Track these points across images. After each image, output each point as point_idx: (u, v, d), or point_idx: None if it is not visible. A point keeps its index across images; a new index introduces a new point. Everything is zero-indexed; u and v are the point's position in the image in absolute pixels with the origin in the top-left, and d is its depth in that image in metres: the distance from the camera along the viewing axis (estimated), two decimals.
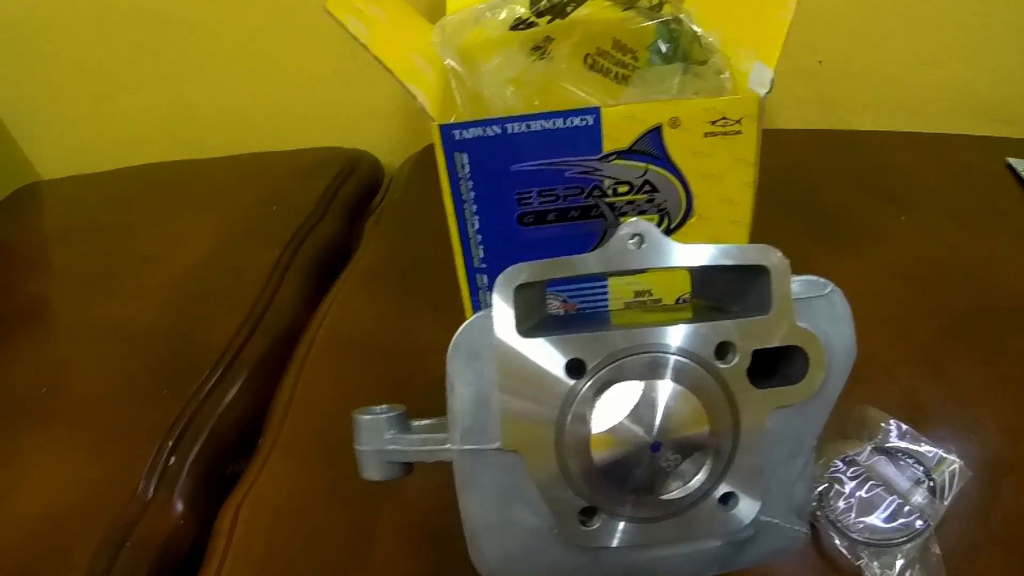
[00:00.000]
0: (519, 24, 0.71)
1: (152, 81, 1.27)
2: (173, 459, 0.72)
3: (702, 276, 0.54)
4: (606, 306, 0.70)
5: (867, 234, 0.88)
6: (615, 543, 0.47)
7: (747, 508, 0.47)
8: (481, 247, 0.66)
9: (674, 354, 0.44)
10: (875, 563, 0.56)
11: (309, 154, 1.21)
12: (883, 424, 0.63)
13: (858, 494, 0.60)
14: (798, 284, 0.45)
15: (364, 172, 1.19)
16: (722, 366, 0.44)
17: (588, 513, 0.47)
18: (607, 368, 0.44)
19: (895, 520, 0.58)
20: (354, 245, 1.04)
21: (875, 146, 1.07)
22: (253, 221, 1.05)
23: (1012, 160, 0.99)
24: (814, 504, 0.58)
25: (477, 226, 0.65)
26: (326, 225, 1.06)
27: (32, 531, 0.67)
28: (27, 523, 0.68)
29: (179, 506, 0.70)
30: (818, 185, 0.99)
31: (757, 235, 0.46)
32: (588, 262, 0.44)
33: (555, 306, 0.69)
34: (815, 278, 0.45)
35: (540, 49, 0.71)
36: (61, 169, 1.33)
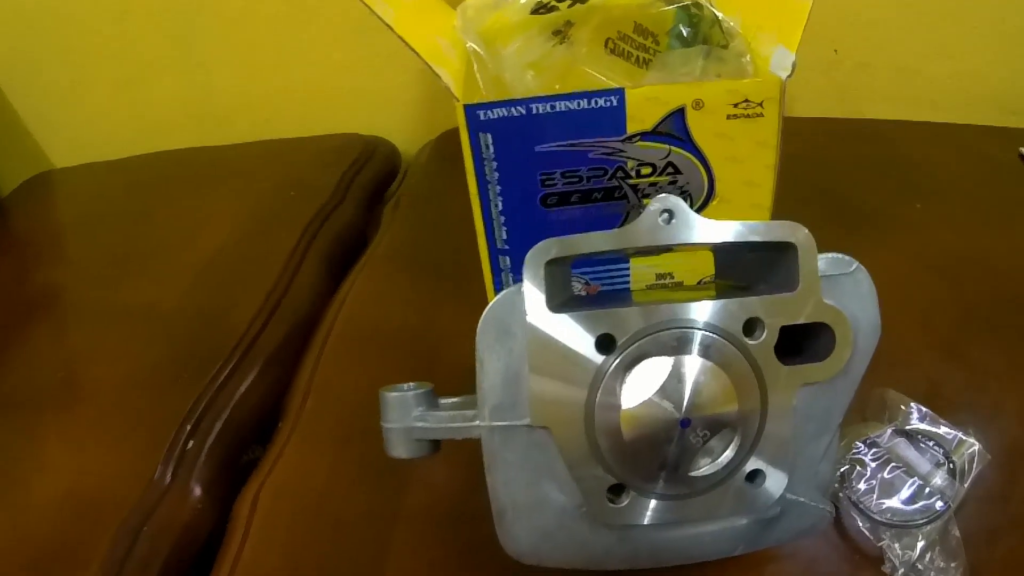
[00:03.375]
0: (540, 8, 0.70)
1: (173, 67, 1.27)
2: (191, 444, 0.72)
3: (725, 257, 0.54)
4: (628, 288, 0.71)
5: (886, 222, 0.89)
6: (643, 521, 0.48)
7: (774, 486, 0.47)
8: (504, 228, 0.66)
9: (703, 329, 0.44)
10: (896, 544, 0.56)
11: (327, 140, 1.22)
12: (903, 407, 0.63)
13: (879, 476, 0.60)
14: (823, 262, 0.45)
15: (381, 159, 1.19)
16: (750, 342, 0.45)
17: (616, 491, 0.47)
18: (636, 344, 0.44)
19: (916, 502, 0.58)
20: (371, 231, 1.05)
21: (891, 135, 1.07)
22: (271, 207, 1.05)
23: None
24: (836, 485, 0.59)
25: (500, 207, 0.65)
26: (344, 211, 1.06)
27: (53, 516, 0.67)
28: (48, 507, 0.68)
29: (197, 491, 0.70)
30: (836, 173, 0.99)
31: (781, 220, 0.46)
32: (619, 237, 0.44)
33: (577, 288, 0.69)
34: (840, 256, 0.46)
35: (560, 33, 0.71)
36: (76, 158, 1.33)
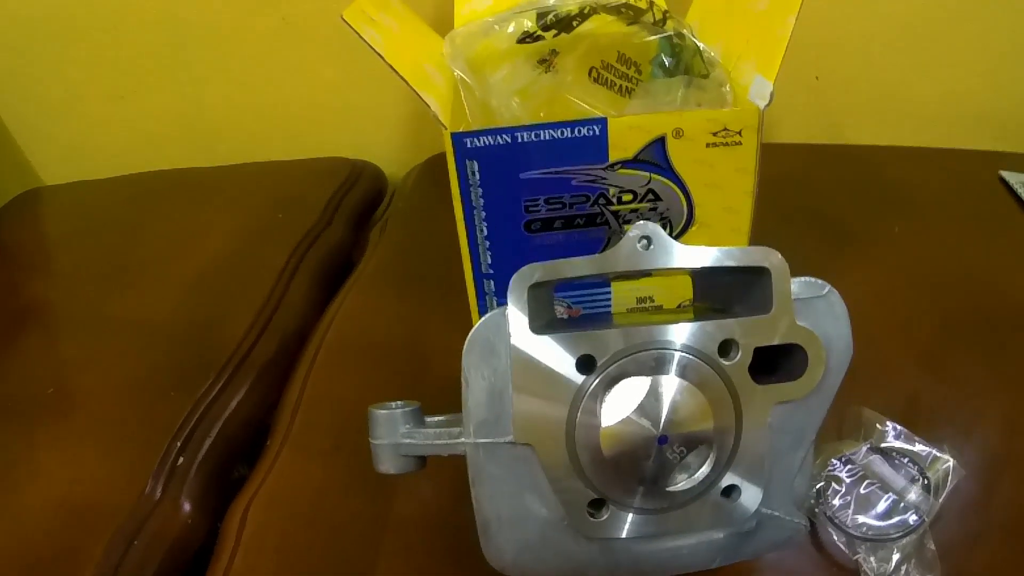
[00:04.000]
0: (526, 37, 0.72)
1: (163, 87, 1.28)
2: (182, 459, 0.73)
3: (703, 281, 0.56)
4: (609, 311, 0.72)
5: (868, 242, 0.91)
6: (623, 534, 0.49)
7: (749, 500, 0.49)
8: (489, 252, 0.68)
9: (680, 351, 0.46)
10: (872, 558, 0.57)
11: (314, 164, 1.23)
12: (879, 425, 0.64)
13: (855, 492, 0.61)
14: (797, 285, 0.47)
15: (368, 182, 1.21)
16: (726, 363, 0.47)
17: (597, 505, 0.49)
18: (616, 364, 0.46)
19: (891, 517, 0.60)
20: (357, 254, 1.06)
21: (873, 160, 1.09)
22: (261, 226, 1.06)
23: (1004, 173, 1.01)
24: (812, 501, 0.60)
25: (486, 232, 0.67)
26: (331, 232, 1.07)
27: (44, 526, 0.68)
28: (39, 518, 0.69)
29: (187, 506, 0.71)
30: (820, 195, 1.01)
31: (763, 242, 0.48)
32: (599, 262, 0.46)
33: (560, 311, 0.71)
34: (813, 279, 0.48)
35: (546, 62, 0.73)
36: (65, 175, 1.33)
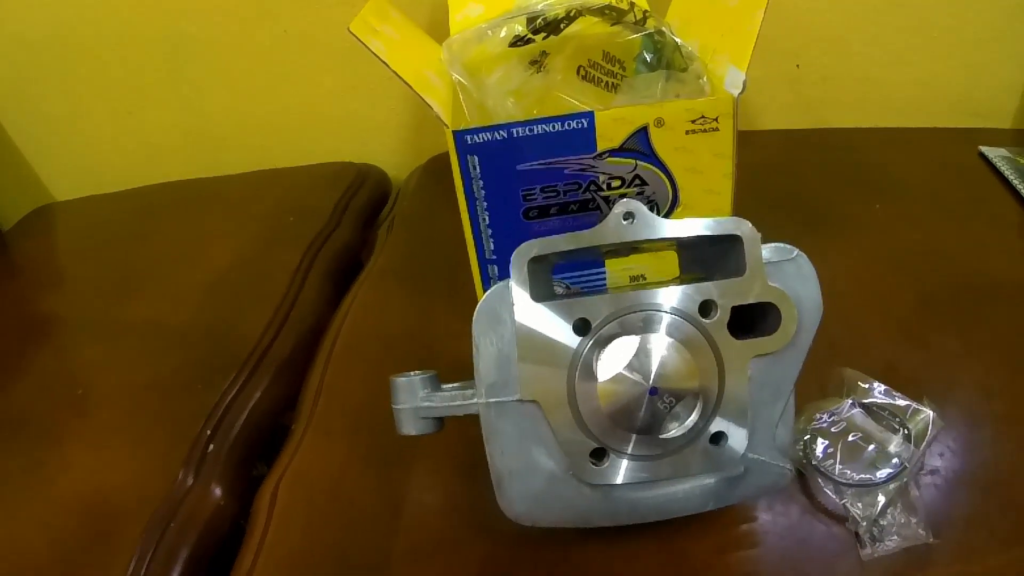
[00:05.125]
0: (518, 41, 0.76)
1: (169, 100, 1.30)
2: (211, 447, 0.77)
3: (686, 253, 0.61)
4: (605, 288, 0.76)
5: (850, 223, 0.93)
6: (622, 480, 0.54)
7: (736, 445, 0.54)
8: (492, 240, 0.72)
9: (665, 311, 0.51)
10: (859, 503, 0.61)
11: (321, 168, 1.26)
12: (861, 383, 0.68)
13: (840, 443, 0.65)
14: (768, 251, 0.52)
15: (373, 184, 1.24)
16: (706, 321, 0.52)
17: (598, 455, 0.54)
18: (608, 325, 0.51)
19: (875, 465, 0.63)
20: (365, 253, 1.09)
21: (854, 143, 1.11)
22: (272, 230, 1.10)
23: (984, 148, 1.03)
24: (800, 454, 0.64)
25: (488, 221, 0.71)
26: (341, 233, 1.10)
27: (80, 513, 0.71)
28: (74, 506, 0.72)
29: (217, 491, 0.74)
30: (802, 181, 1.03)
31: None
32: (588, 236, 0.51)
33: (559, 291, 0.75)
34: (783, 245, 0.53)
35: (537, 63, 0.77)
36: (75, 190, 1.35)
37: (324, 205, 1.14)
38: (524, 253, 0.51)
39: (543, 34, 0.76)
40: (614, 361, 0.51)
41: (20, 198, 1.35)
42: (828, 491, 0.62)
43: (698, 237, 0.52)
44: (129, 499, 0.72)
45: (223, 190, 1.26)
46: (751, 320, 0.53)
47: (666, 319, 0.51)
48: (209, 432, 0.78)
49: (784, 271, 0.52)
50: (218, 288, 0.99)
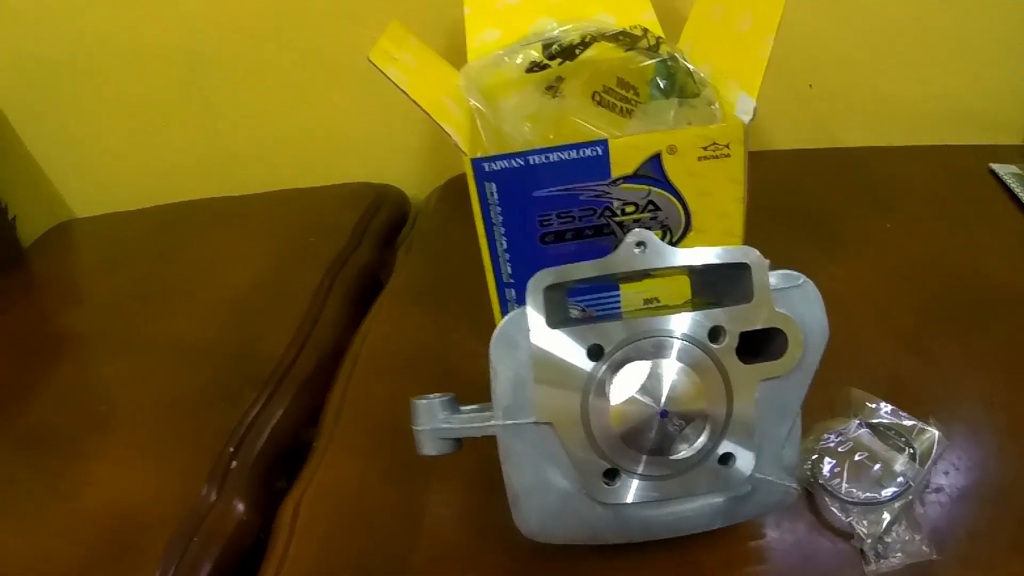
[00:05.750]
0: (533, 67, 0.78)
1: (190, 120, 1.31)
2: (234, 463, 0.78)
3: (697, 279, 0.63)
4: (619, 311, 0.78)
5: (859, 239, 0.94)
6: (633, 499, 0.56)
7: (744, 466, 0.56)
8: (509, 264, 0.74)
9: (675, 337, 0.53)
10: (864, 520, 0.62)
11: (340, 189, 1.27)
12: (868, 403, 0.70)
13: (847, 462, 0.66)
14: (776, 277, 0.54)
15: (393, 205, 1.24)
16: (715, 346, 0.53)
17: (610, 475, 0.56)
18: (621, 351, 0.53)
19: (881, 484, 0.64)
20: (384, 273, 1.10)
21: (865, 160, 1.12)
22: (293, 250, 1.11)
23: (994, 165, 1.04)
24: (808, 473, 0.66)
25: (505, 245, 0.73)
26: (361, 253, 1.11)
27: (104, 529, 0.73)
28: (98, 522, 0.73)
29: (240, 506, 0.75)
30: (813, 198, 1.04)
31: (759, 244, 0.53)
32: (601, 265, 0.53)
33: (575, 314, 0.76)
34: (790, 272, 0.54)
35: (553, 88, 0.79)
36: (95, 207, 1.36)
37: (344, 225, 1.15)
38: (540, 281, 0.53)
39: (558, 60, 0.78)
40: (626, 385, 0.53)
41: (41, 215, 1.35)
42: (834, 509, 0.64)
43: (711, 265, 0.53)
44: (152, 515, 0.74)
45: (243, 209, 1.27)
46: (758, 344, 0.55)
47: (677, 344, 0.53)
48: (232, 448, 0.79)
49: (791, 297, 0.54)
50: (240, 307, 1.00)
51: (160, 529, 0.72)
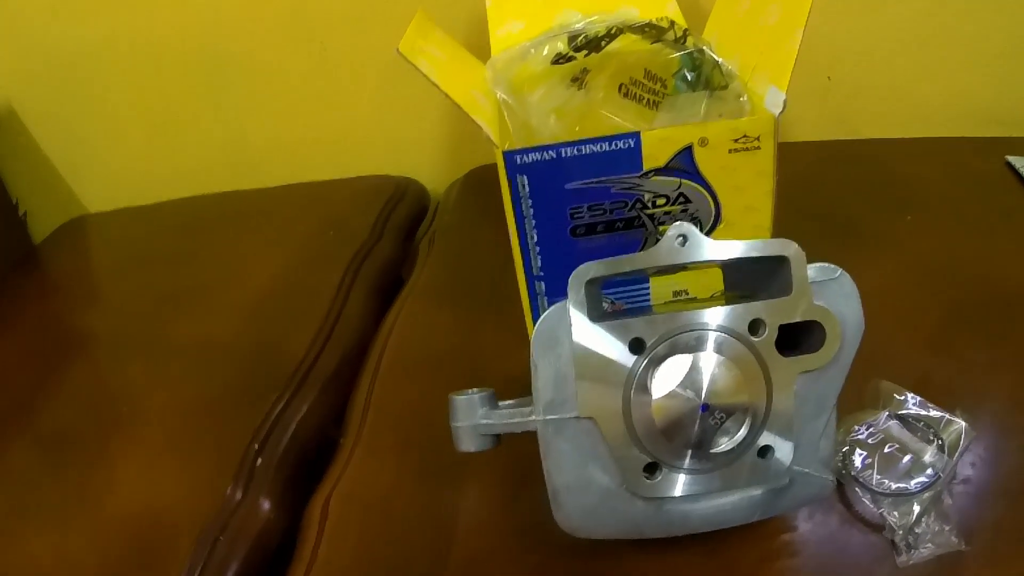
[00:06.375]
0: (559, 59, 0.79)
1: (206, 115, 1.32)
2: (260, 461, 0.78)
3: (731, 272, 0.63)
4: (649, 304, 0.78)
5: (880, 235, 0.94)
6: (675, 493, 0.56)
7: (783, 458, 0.56)
8: (539, 256, 0.74)
9: (715, 331, 0.53)
10: (895, 512, 0.62)
11: (359, 182, 1.27)
12: (896, 396, 0.69)
13: (877, 454, 0.66)
14: (813, 270, 0.54)
15: (412, 198, 1.24)
16: (755, 339, 0.53)
17: (651, 469, 0.56)
18: (662, 344, 0.53)
19: (910, 475, 0.64)
20: (406, 267, 1.10)
21: (884, 154, 1.12)
22: (314, 246, 1.10)
23: (1011, 158, 1.04)
24: (839, 464, 0.65)
25: (536, 238, 0.73)
26: (382, 248, 1.11)
27: (129, 530, 0.73)
28: (124, 523, 0.73)
29: (266, 505, 0.75)
30: (833, 193, 1.04)
31: (782, 237, 0.53)
32: (645, 258, 0.53)
33: (606, 307, 0.75)
34: (827, 265, 0.54)
35: (579, 80, 0.79)
36: (109, 204, 1.37)
37: (364, 219, 1.15)
38: (582, 275, 0.52)
39: (584, 52, 0.78)
40: (668, 379, 0.53)
41: (52, 211, 1.36)
42: (866, 500, 0.64)
43: (747, 258, 0.53)
44: (178, 515, 0.74)
45: (261, 203, 1.27)
46: (795, 337, 0.55)
47: (717, 338, 0.53)
48: (257, 447, 0.79)
49: (828, 290, 0.54)
50: (261, 304, 1.00)
51: (186, 530, 0.71)
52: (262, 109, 1.31)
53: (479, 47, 0.83)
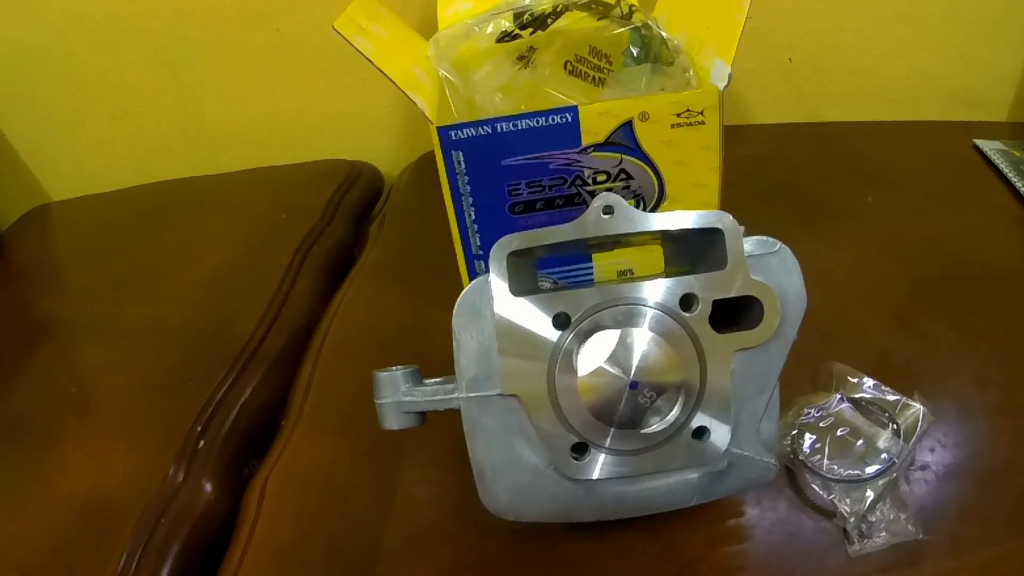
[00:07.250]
0: (505, 37, 0.77)
1: (166, 99, 1.31)
2: (202, 443, 0.77)
3: (670, 247, 0.61)
4: (591, 282, 0.76)
5: (844, 214, 0.93)
6: (603, 474, 0.54)
7: (719, 440, 0.54)
8: (478, 235, 0.73)
9: (645, 305, 0.51)
10: (847, 498, 0.61)
11: (315, 166, 1.27)
12: (850, 378, 0.68)
13: (828, 438, 0.65)
14: (751, 244, 0.52)
15: (366, 181, 1.24)
16: (687, 315, 0.51)
17: (579, 449, 0.54)
18: (588, 319, 0.51)
19: (864, 460, 0.63)
20: (358, 249, 1.09)
21: (850, 135, 1.12)
22: (266, 228, 1.10)
23: (979, 141, 1.04)
24: (787, 448, 0.64)
25: (474, 216, 0.71)
26: (333, 229, 1.11)
27: (74, 512, 0.72)
28: (68, 505, 0.73)
29: (208, 487, 0.74)
30: (797, 173, 1.03)
31: (742, 220, 0.52)
32: (568, 230, 0.51)
33: (546, 286, 0.75)
34: (766, 238, 0.52)
35: (525, 58, 0.77)
36: (72, 190, 1.36)
37: (317, 202, 1.15)
38: (504, 247, 0.51)
39: (530, 29, 0.77)
40: (594, 355, 0.51)
41: (17, 199, 1.35)
42: (816, 487, 0.62)
43: (681, 231, 0.51)
44: (124, 496, 0.73)
45: (217, 189, 1.27)
46: (736, 314, 0.53)
47: (647, 313, 0.51)
48: (200, 429, 0.78)
49: (767, 264, 0.52)
50: (213, 287, 0.99)
51: (130, 511, 0.71)
52: (221, 93, 1.30)
53: (431, 29, 0.81)
